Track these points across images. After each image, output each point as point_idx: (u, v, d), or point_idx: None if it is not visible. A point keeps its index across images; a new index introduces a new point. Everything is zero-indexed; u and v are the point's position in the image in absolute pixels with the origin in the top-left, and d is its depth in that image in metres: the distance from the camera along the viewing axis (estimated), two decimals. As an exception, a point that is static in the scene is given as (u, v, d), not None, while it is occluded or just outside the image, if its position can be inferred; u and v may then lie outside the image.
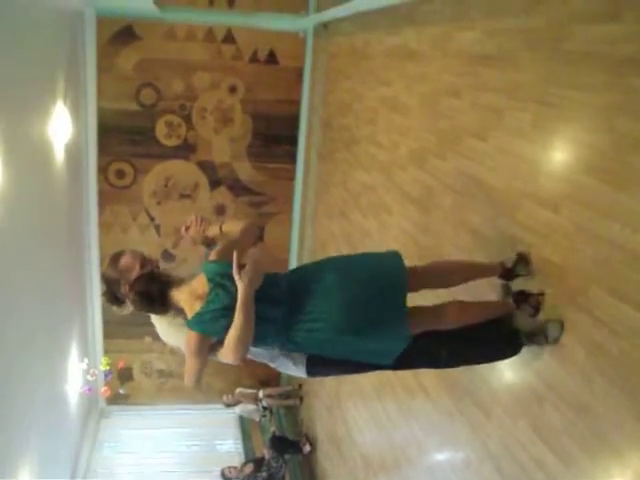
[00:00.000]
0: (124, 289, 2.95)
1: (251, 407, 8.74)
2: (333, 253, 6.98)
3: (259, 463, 7.89)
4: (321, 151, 7.68)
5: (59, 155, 6.26)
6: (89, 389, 7.68)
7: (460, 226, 3.94)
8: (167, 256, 8.30)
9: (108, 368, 8.21)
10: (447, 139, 4.18)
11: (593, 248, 2.68)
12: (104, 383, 8.31)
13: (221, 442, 8.81)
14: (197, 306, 2.73)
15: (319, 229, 7.77)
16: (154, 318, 3.05)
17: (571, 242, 2.82)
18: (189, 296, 2.79)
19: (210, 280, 2.75)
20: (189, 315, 2.74)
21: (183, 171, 8.10)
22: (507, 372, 3.35)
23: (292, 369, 3.19)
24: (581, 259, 2.74)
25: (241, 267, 2.62)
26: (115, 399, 8.72)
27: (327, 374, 3.46)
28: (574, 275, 2.78)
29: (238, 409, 8.80)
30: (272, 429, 8.37)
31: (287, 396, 8.84)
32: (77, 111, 7.06)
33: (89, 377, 7.61)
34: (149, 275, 2.87)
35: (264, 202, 8.47)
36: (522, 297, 3.09)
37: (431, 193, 4.42)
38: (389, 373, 4.97)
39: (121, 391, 8.69)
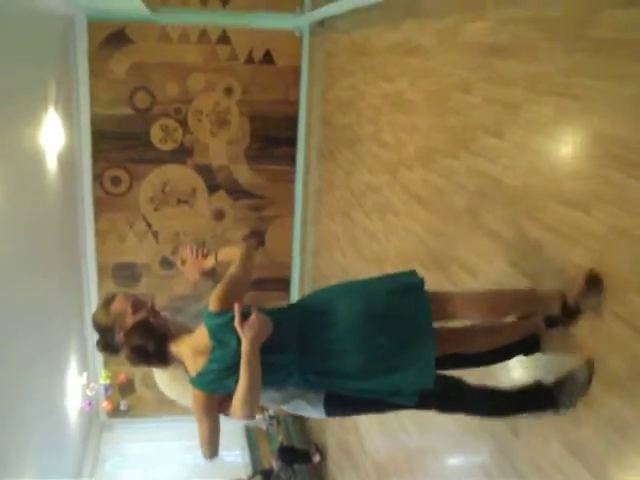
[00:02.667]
0: (119, 337, 2.71)
1: (257, 416, 8.53)
2: (337, 256, 6.80)
3: (267, 475, 7.68)
4: (322, 151, 7.49)
5: (52, 163, 6.07)
6: (89, 404, 7.49)
7: (475, 228, 3.73)
8: (165, 263, 8.12)
9: (108, 382, 8.03)
10: (458, 137, 3.96)
11: (629, 250, 2.48)
12: (105, 397, 8.12)
13: (227, 453, 8.58)
14: (200, 362, 2.51)
15: (322, 231, 7.58)
16: (154, 370, 2.80)
17: (603, 244, 2.61)
18: (190, 350, 2.57)
19: (212, 336, 2.50)
20: (191, 371, 2.53)
21: (180, 176, 7.90)
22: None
23: (308, 410, 2.90)
24: (616, 263, 2.54)
25: (245, 317, 2.37)
26: (117, 413, 8.52)
27: (347, 414, 3.17)
28: (609, 281, 2.58)
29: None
30: (280, 438, 8.16)
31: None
32: (70, 117, 6.87)
33: (88, 392, 7.42)
34: (143, 327, 2.61)
35: (264, 205, 8.27)
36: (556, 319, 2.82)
37: (441, 194, 4.21)
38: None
39: (122, 407, 8.48)
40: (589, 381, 2.63)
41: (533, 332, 2.93)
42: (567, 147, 2.88)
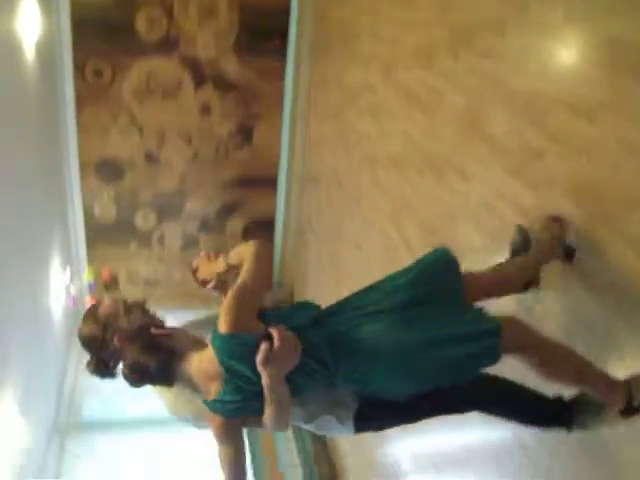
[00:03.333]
0: (114, 345, 2.27)
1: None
2: (327, 156, 6.62)
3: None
4: (314, 46, 7.18)
5: (29, 53, 5.76)
6: (73, 301, 7.43)
7: (474, 133, 3.57)
8: (150, 159, 7.89)
9: (92, 279, 7.95)
10: (460, 34, 3.74)
11: (637, 165, 2.34)
12: (88, 294, 8.06)
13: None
14: (212, 389, 2.15)
15: (312, 130, 7.37)
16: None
17: (611, 157, 2.47)
18: (200, 374, 2.18)
19: (223, 366, 2.11)
20: (204, 394, 2.18)
21: (165, 68, 7.54)
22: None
23: (337, 428, 2.57)
24: (623, 178, 2.40)
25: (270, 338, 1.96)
26: (101, 309, 8.48)
27: (381, 427, 2.69)
28: (614, 197, 2.44)
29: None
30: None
31: (279, 303, 8.60)
32: (48, 3, 6.48)
33: (72, 289, 7.35)
34: (144, 340, 2.19)
35: (253, 100, 7.96)
36: None
37: (440, 95, 4.02)
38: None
39: (106, 304, 8.43)
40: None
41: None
42: (579, 51, 2.69)
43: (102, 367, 2.33)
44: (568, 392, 2.59)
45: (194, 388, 2.23)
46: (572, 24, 2.71)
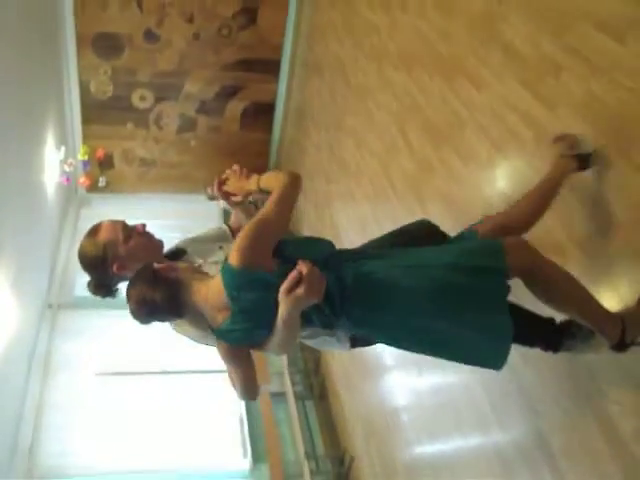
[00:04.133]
0: (112, 270, 2.39)
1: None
2: (333, 45, 6.36)
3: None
4: None
5: None
6: (67, 179, 7.34)
7: (489, 39, 3.39)
8: (150, 36, 7.59)
9: (86, 157, 7.81)
10: None
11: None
12: (83, 172, 7.95)
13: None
14: (219, 318, 2.09)
15: (319, 16, 7.05)
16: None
17: (633, 80, 2.33)
18: (207, 304, 2.10)
19: (230, 297, 2.02)
20: (212, 323, 2.13)
21: (169, -60, 7.18)
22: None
23: (335, 345, 2.62)
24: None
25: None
26: (95, 188, 8.39)
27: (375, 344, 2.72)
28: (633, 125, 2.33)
29: (222, 202, 8.49)
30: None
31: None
32: None
33: (67, 167, 7.23)
34: (149, 274, 2.13)
35: (259, -20, 7.62)
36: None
37: (457, -7, 3.81)
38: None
39: (100, 184, 8.33)
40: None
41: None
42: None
43: (102, 289, 2.46)
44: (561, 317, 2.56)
45: (200, 317, 2.17)
46: None
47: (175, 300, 2.11)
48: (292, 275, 1.85)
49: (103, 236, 2.42)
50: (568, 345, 2.52)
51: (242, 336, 2.11)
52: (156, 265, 2.15)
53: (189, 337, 2.42)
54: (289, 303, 1.89)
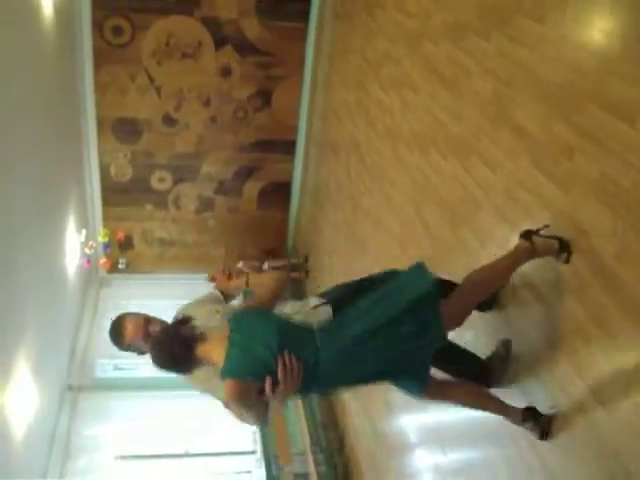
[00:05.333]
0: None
1: (255, 282, 8.47)
2: (347, 125, 6.48)
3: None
4: (338, 11, 6.99)
5: (47, 10, 5.64)
6: (88, 262, 7.42)
7: (500, 120, 3.45)
8: (168, 120, 7.80)
9: (107, 240, 7.93)
10: (493, 14, 3.58)
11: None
12: (103, 254, 8.05)
13: (225, 313, 8.63)
14: (223, 352, 2.56)
15: (332, 97, 7.22)
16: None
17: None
18: (214, 349, 2.59)
19: (233, 325, 2.62)
20: (219, 364, 2.56)
21: (186, 28, 7.40)
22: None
23: None
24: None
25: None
26: (115, 270, 8.48)
27: None
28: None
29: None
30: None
31: (292, 269, 8.58)
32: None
33: (87, 250, 7.33)
34: (167, 335, 2.65)
35: (273, 64, 7.83)
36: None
37: (467, 76, 3.88)
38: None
39: (120, 265, 8.42)
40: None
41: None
42: (620, 46, 2.56)
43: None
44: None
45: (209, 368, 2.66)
46: (616, 15, 2.58)
47: (190, 349, 2.58)
48: (267, 382, 2.48)
49: (127, 337, 3.01)
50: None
51: (243, 363, 2.55)
52: (178, 326, 2.66)
53: (199, 387, 2.96)
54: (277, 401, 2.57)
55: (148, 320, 3.04)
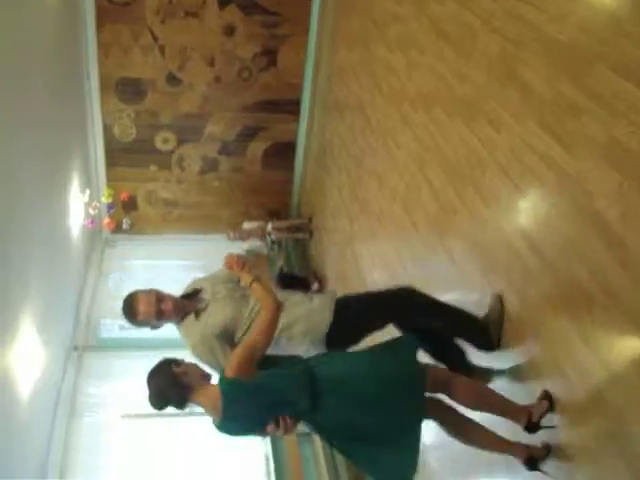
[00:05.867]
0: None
1: (258, 243, 8.51)
2: (353, 85, 6.43)
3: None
4: (343, -31, 6.90)
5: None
6: (91, 222, 7.43)
7: (507, 79, 3.42)
8: (172, 79, 7.74)
9: (111, 200, 7.92)
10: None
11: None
12: (107, 215, 8.05)
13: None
14: (216, 417, 2.85)
15: (337, 56, 7.16)
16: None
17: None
18: (208, 404, 2.86)
19: (225, 407, 2.79)
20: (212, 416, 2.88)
21: (189, -14, 7.32)
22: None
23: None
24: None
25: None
26: (119, 230, 8.49)
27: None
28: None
29: (245, 244, 8.55)
30: (280, 264, 8.18)
31: (296, 229, 8.58)
32: None
33: (91, 210, 7.33)
34: (167, 377, 2.88)
35: (278, 23, 7.73)
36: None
37: (474, 35, 3.84)
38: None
39: (124, 226, 8.42)
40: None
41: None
42: (631, 6, 2.52)
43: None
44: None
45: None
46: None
47: (184, 399, 2.87)
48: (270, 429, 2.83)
49: (140, 314, 3.29)
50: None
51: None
52: (175, 369, 2.89)
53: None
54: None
55: (159, 297, 3.27)
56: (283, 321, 3.19)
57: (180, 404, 2.88)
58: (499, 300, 3.31)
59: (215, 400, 2.80)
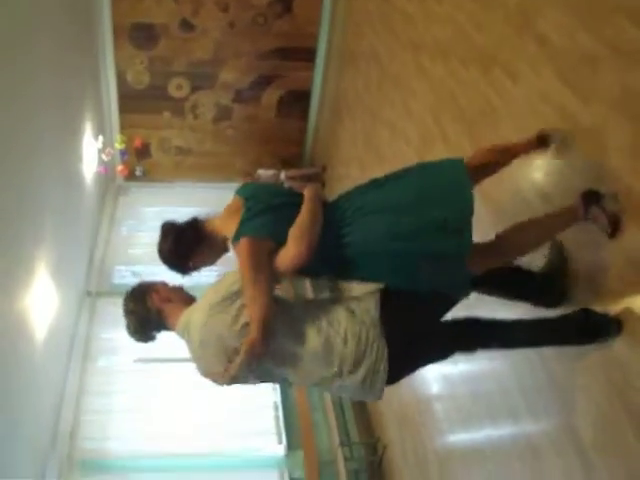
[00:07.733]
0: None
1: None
2: (369, 35, 6.35)
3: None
4: None
5: None
6: (105, 169, 7.44)
7: (526, 31, 3.37)
8: (186, 25, 7.66)
9: (124, 147, 7.91)
10: None
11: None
12: (120, 162, 8.05)
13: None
14: (237, 219, 2.53)
15: (355, 6, 7.05)
16: (190, 346, 2.75)
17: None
18: (224, 219, 2.63)
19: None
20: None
21: None
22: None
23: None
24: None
25: None
26: (132, 177, 8.51)
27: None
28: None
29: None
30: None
31: (310, 178, 8.56)
32: None
33: (104, 157, 7.33)
34: (177, 233, 2.68)
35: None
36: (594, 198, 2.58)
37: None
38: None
39: (137, 173, 8.44)
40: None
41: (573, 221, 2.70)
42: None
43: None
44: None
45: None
46: None
47: (198, 234, 2.68)
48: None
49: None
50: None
51: (263, 222, 2.49)
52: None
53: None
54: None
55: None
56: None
57: (196, 240, 2.68)
58: (558, 248, 2.94)
59: (233, 204, 2.65)
